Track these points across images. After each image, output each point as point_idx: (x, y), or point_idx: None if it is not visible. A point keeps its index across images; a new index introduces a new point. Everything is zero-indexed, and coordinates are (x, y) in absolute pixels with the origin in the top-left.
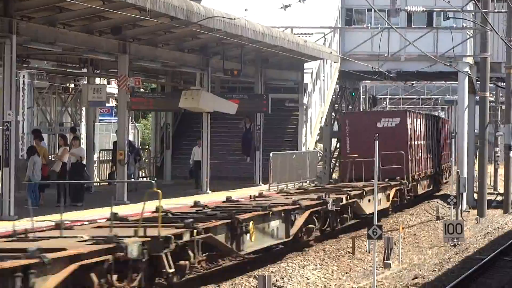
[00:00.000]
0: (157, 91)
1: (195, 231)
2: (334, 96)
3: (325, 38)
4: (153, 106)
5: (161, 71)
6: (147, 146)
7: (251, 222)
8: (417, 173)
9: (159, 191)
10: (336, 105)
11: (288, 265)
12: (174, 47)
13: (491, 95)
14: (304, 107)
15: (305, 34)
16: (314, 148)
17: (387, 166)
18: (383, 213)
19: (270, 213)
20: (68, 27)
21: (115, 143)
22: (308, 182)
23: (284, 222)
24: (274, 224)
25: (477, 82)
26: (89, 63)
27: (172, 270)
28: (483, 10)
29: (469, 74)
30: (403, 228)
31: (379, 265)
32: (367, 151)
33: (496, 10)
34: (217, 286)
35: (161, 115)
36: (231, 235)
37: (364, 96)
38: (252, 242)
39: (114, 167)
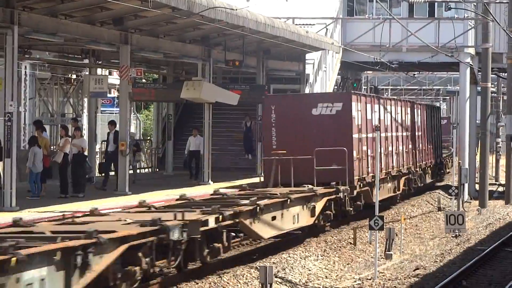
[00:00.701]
0: (159, 81)
1: None
2: (336, 86)
3: (326, 29)
4: (155, 97)
5: (163, 61)
6: (148, 137)
7: None
8: (370, 174)
9: None
10: None
11: (289, 256)
12: (175, 37)
13: (492, 85)
14: None
15: (306, 24)
16: None
17: (324, 166)
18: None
19: None
20: (70, 18)
21: (108, 133)
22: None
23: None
24: None
25: (479, 73)
26: (91, 53)
27: None
28: (485, 1)
29: (471, 64)
30: (404, 219)
31: (380, 256)
32: (299, 147)
33: (497, 1)
34: (218, 277)
35: (163, 106)
36: None
37: (366, 87)
38: None
39: (104, 157)
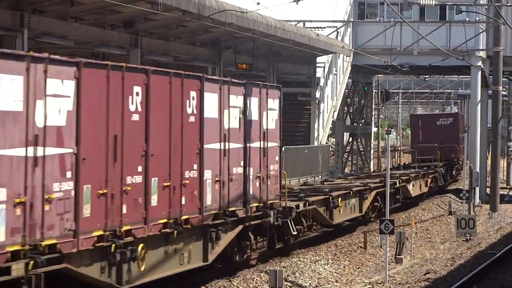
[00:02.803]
0: None
1: None
2: (346, 90)
3: (337, 32)
4: None
5: (173, 65)
6: None
7: None
8: None
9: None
10: (348, 99)
11: (299, 260)
12: (186, 41)
13: (504, 89)
14: (316, 101)
15: (317, 28)
16: (327, 143)
17: None
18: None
19: None
20: (80, 21)
21: None
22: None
23: None
24: None
25: (490, 76)
26: (101, 57)
27: None
28: (496, 4)
29: (482, 68)
30: (415, 223)
31: (391, 260)
32: None
33: (509, 4)
34: (228, 281)
35: None
36: None
37: (376, 90)
38: None
39: None
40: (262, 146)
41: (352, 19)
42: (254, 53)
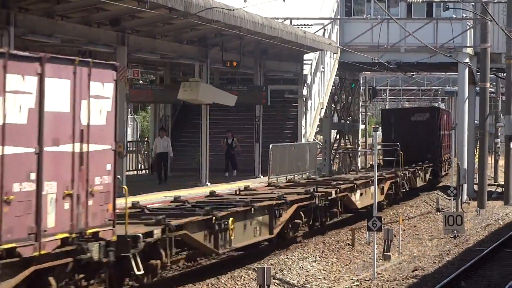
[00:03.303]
0: (156, 83)
1: None
2: (333, 87)
3: (324, 29)
4: (152, 98)
5: (160, 62)
6: (146, 139)
7: None
8: None
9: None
10: (336, 97)
11: (287, 258)
12: (172, 38)
13: (491, 86)
14: (304, 98)
15: (304, 25)
16: (314, 140)
17: None
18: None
19: None
20: (66, 19)
21: None
22: (308, 173)
23: None
24: None
25: (477, 73)
26: (88, 55)
27: None
28: (483, 1)
29: (469, 65)
30: (403, 220)
31: (379, 257)
32: None
33: (496, 0)
34: (216, 278)
35: (160, 107)
36: None
37: (364, 88)
38: None
39: None
40: (77, 149)
41: (339, 16)
42: (241, 50)
